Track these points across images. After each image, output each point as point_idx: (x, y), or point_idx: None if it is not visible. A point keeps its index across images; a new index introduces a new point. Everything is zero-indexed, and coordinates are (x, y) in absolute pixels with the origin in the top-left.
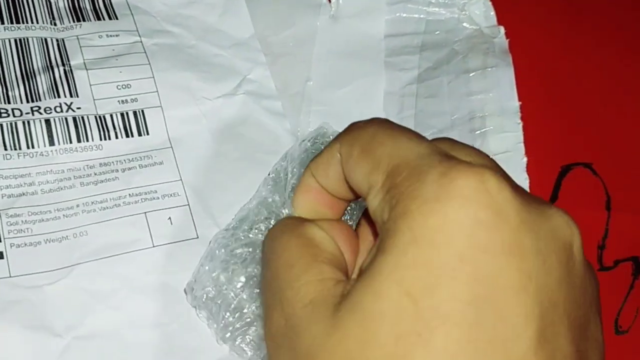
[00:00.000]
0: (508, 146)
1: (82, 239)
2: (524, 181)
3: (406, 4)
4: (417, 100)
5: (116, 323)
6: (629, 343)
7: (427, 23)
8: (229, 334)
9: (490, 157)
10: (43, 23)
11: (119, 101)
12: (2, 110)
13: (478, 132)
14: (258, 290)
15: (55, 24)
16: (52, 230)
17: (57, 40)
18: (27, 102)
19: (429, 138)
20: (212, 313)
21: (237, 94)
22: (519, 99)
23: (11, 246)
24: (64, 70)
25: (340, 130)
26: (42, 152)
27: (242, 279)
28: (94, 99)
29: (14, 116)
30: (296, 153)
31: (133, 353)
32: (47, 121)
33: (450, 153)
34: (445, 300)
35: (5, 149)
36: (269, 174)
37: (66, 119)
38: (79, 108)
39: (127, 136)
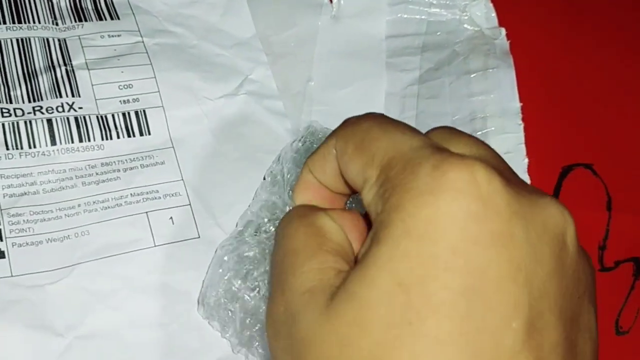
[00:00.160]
0: (509, 147)
1: (83, 238)
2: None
3: (407, 4)
4: (418, 101)
5: (117, 323)
6: (629, 344)
7: (428, 24)
8: (246, 338)
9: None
10: (45, 23)
11: (120, 101)
12: (4, 110)
13: (479, 133)
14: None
15: (57, 24)
16: (53, 230)
17: (59, 40)
18: (29, 101)
19: None
20: (226, 320)
21: (238, 94)
22: (520, 100)
23: (13, 245)
24: (66, 70)
25: (333, 128)
26: (43, 152)
27: (254, 282)
28: (95, 99)
29: (16, 116)
30: (289, 154)
31: (134, 353)
32: (49, 121)
33: (446, 143)
34: (437, 291)
35: (7, 149)
36: (264, 178)
37: (68, 118)
38: (80, 108)
39: (129, 136)
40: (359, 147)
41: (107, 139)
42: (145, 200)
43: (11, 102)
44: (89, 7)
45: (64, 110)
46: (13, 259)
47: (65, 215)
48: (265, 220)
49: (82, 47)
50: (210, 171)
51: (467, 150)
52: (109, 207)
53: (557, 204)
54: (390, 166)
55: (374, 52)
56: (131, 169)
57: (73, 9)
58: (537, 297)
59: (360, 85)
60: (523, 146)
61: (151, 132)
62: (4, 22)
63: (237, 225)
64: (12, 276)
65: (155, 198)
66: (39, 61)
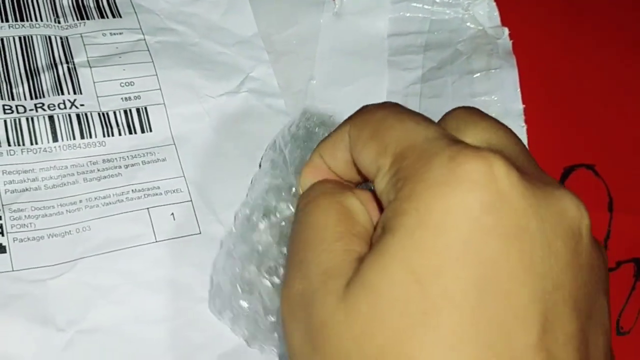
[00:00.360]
0: None
1: (85, 234)
2: None
3: (410, 2)
4: (420, 100)
5: (119, 318)
6: (630, 344)
7: (431, 22)
8: (268, 325)
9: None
10: (47, 21)
11: (122, 98)
12: (6, 107)
13: None
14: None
15: (59, 22)
16: (55, 225)
17: (61, 38)
18: (31, 98)
19: None
20: (239, 312)
21: (240, 91)
22: (523, 101)
23: (14, 240)
24: (68, 67)
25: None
26: (45, 148)
27: (271, 263)
28: (97, 96)
29: (18, 113)
30: (287, 138)
31: (136, 348)
32: (51, 118)
33: (464, 128)
34: (450, 282)
35: (9, 145)
36: (260, 165)
37: (70, 115)
38: (82, 105)
39: (130, 133)
40: (373, 135)
41: (108, 135)
42: (146, 196)
43: (13, 99)
44: (91, 5)
45: (65, 107)
46: (14, 253)
47: (67, 211)
48: (273, 203)
49: (84, 44)
50: (211, 168)
51: (486, 137)
52: (110, 203)
53: (572, 197)
54: (404, 156)
55: (376, 50)
56: (132, 165)
57: (75, 7)
58: (551, 290)
59: (362, 83)
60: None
61: (152, 129)
62: (7, 20)
63: (236, 217)
64: (13, 271)
65: (157, 194)
66: (41, 59)
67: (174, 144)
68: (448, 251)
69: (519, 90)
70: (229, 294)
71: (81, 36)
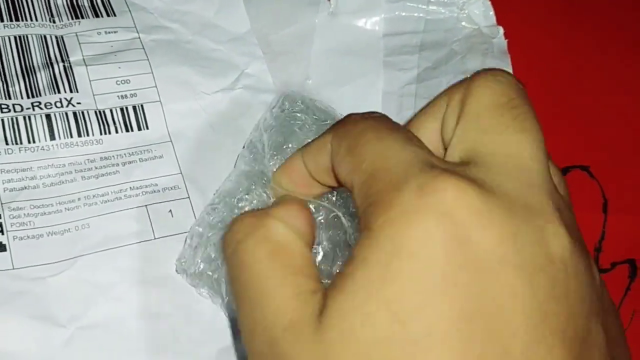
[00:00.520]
0: None
1: (84, 231)
2: None
3: (405, 2)
4: (416, 100)
5: (119, 314)
6: None
7: (426, 22)
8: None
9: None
10: (42, 20)
11: (118, 96)
12: (3, 106)
13: None
14: None
15: (54, 22)
16: (54, 223)
17: (56, 37)
18: (28, 97)
19: None
20: (212, 289)
21: (235, 88)
22: None
23: (14, 239)
24: (64, 66)
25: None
26: (43, 147)
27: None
28: (93, 94)
29: (15, 111)
30: (268, 121)
31: (136, 343)
32: (48, 116)
33: (459, 127)
34: (434, 320)
35: (7, 144)
36: (243, 147)
37: (66, 113)
38: (79, 103)
39: (127, 130)
40: (350, 149)
41: (105, 133)
42: (144, 193)
43: (10, 98)
44: (86, 5)
45: (62, 106)
46: (14, 251)
47: (66, 208)
48: (244, 187)
49: (80, 43)
50: (208, 164)
51: (471, 141)
52: (108, 201)
53: (555, 225)
54: (375, 178)
55: (371, 50)
56: (130, 162)
57: (70, 7)
58: (537, 323)
59: (357, 83)
60: None
61: (149, 126)
62: (2, 20)
63: (215, 194)
64: (14, 269)
65: (155, 191)
66: (37, 58)
67: (171, 140)
68: (427, 285)
69: None
70: (193, 270)
71: (76, 35)
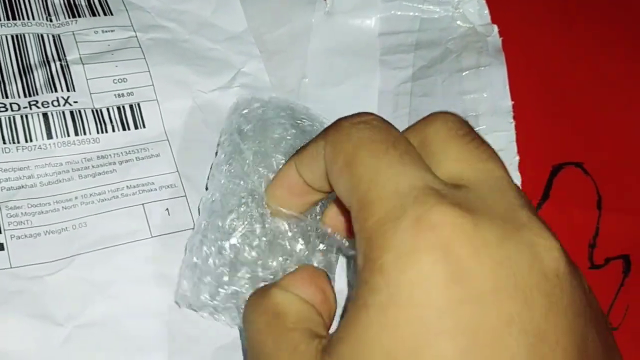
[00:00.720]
0: (500, 145)
1: (81, 230)
2: (516, 180)
3: (401, 1)
4: (411, 98)
5: (117, 312)
6: (619, 340)
7: (421, 21)
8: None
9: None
10: (39, 19)
11: (115, 95)
12: (0, 105)
13: None
14: (252, 276)
15: (51, 20)
16: (51, 222)
17: (53, 36)
18: (25, 96)
19: None
20: (216, 310)
21: (232, 86)
22: (512, 98)
23: (11, 238)
24: (61, 65)
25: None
26: (40, 146)
27: (235, 277)
28: (90, 93)
29: (12, 110)
30: (240, 125)
31: (133, 342)
32: (45, 115)
33: (440, 152)
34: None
35: (4, 143)
36: (216, 154)
37: (63, 112)
38: (75, 102)
39: (124, 129)
40: (346, 166)
41: (102, 132)
42: (141, 192)
43: (7, 97)
44: (82, 4)
45: (59, 105)
46: (12, 250)
47: (63, 207)
48: (229, 210)
49: (77, 42)
50: (205, 163)
51: (458, 170)
52: (105, 200)
53: (545, 240)
54: (370, 209)
55: (367, 49)
56: (127, 161)
57: (66, 6)
58: (535, 342)
59: (353, 82)
60: (514, 144)
61: (146, 125)
62: None
63: (200, 216)
64: (11, 268)
65: (151, 190)
66: (34, 57)
67: (168, 139)
68: (424, 327)
69: (507, 87)
70: (196, 302)
71: (73, 34)
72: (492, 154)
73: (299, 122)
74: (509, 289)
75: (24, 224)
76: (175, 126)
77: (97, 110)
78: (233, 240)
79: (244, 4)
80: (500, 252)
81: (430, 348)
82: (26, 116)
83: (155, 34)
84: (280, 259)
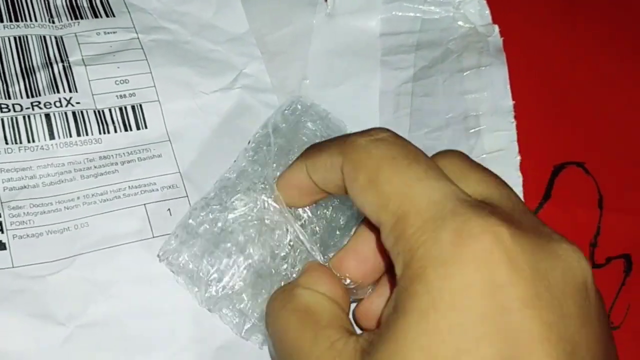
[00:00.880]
0: (501, 145)
1: (83, 230)
2: (517, 179)
3: (402, 2)
4: (412, 99)
5: (118, 312)
6: (620, 338)
7: (422, 22)
8: (212, 305)
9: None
10: (42, 21)
11: (117, 96)
12: (3, 106)
13: (472, 130)
14: (236, 259)
15: (53, 22)
16: (53, 222)
17: (55, 37)
18: (27, 97)
19: (424, 137)
20: (192, 279)
21: (233, 88)
22: (513, 98)
23: (13, 237)
24: (63, 66)
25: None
26: (42, 146)
27: (219, 249)
28: (92, 94)
29: (15, 111)
30: (277, 122)
31: (134, 341)
32: (47, 116)
33: (458, 180)
34: None
35: (7, 143)
36: (249, 143)
37: (66, 113)
38: (78, 103)
39: (126, 130)
40: (370, 184)
41: (104, 133)
42: (143, 192)
43: (10, 98)
44: (85, 5)
45: (61, 105)
46: (14, 250)
47: (65, 207)
48: (243, 188)
49: (79, 44)
50: (206, 163)
51: (479, 190)
52: (107, 200)
53: (574, 250)
54: (407, 221)
55: (368, 50)
56: (129, 162)
57: (69, 7)
58: (570, 352)
59: (354, 83)
60: (515, 144)
61: (148, 126)
62: (2, 21)
63: (214, 185)
64: (13, 267)
65: (153, 190)
66: (37, 58)
67: (169, 140)
68: (465, 332)
69: (508, 87)
70: (177, 262)
71: (75, 35)
72: (504, 182)
73: (330, 132)
74: (547, 297)
75: (26, 223)
76: (177, 127)
77: (99, 111)
78: (231, 216)
79: (246, 6)
80: (536, 262)
81: (471, 353)
82: (29, 117)
83: (157, 35)
84: (261, 252)
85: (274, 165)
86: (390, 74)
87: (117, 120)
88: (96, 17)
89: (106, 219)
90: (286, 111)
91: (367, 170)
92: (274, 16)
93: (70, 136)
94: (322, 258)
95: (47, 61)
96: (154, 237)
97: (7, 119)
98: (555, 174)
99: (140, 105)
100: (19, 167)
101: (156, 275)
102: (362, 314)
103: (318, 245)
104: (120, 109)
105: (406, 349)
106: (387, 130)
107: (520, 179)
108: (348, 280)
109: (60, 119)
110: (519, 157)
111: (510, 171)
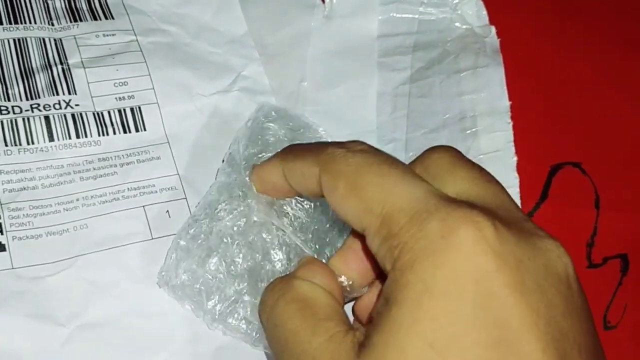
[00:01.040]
0: (498, 145)
1: (82, 231)
2: (514, 180)
3: (399, 4)
4: (409, 100)
5: (118, 312)
6: (617, 338)
7: (419, 23)
8: (217, 316)
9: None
10: (41, 23)
11: (116, 98)
12: (2, 108)
13: (469, 131)
14: (233, 267)
15: (52, 24)
16: (53, 224)
17: (54, 40)
18: (27, 99)
19: (421, 137)
20: (195, 301)
21: (232, 90)
22: (509, 99)
23: (13, 239)
24: (62, 68)
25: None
26: (42, 148)
27: (214, 260)
28: (91, 96)
29: (14, 113)
30: (243, 135)
31: (134, 342)
32: (47, 118)
33: (444, 176)
34: (468, 347)
35: (6, 145)
36: (223, 160)
37: (65, 115)
38: (77, 105)
39: (125, 132)
40: (351, 190)
41: (103, 135)
42: (142, 194)
43: (9, 100)
44: (84, 8)
45: (61, 108)
46: (14, 251)
47: (64, 209)
48: (224, 199)
49: (78, 46)
50: (205, 165)
51: (465, 188)
52: (106, 201)
53: (554, 243)
54: (392, 219)
55: (366, 51)
56: (128, 164)
57: (68, 10)
58: (559, 338)
59: (352, 84)
60: (512, 144)
61: (147, 128)
62: (1, 23)
63: (197, 207)
64: (13, 268)
65: (152, 192)
66: (36, 60)
67: (168, 142)
68: (459, 317)
69: (505, 87)
70: (176, 282)
71: (75, 38)
72: (494, 179)
73: (295, 129)
74: (532, 286)
75: (26, 225)
76: (175, 129)
77: (98, 113)
78: (218, 227)
79: (244, 8)
80: (519, 252)
81: (466, 337)
82: (28, 119)
83: (156, 37)
84: (256, 255)
85: (243, 167)
86: (387, 75)
87: (116, 122)
88: (95, 19)
89: (105, 220)
90: (249, 122)
91: (347, 178)
92: (272, 18)
93: (70, 138)
94: (313, 252)
95: (47, 63)
96: (153, 238)
97: (7, 121)
98: (552, 175)
99: (139, 108)
100: (19, 168)
101: (155, 276)
102: (362, 310)
103: (311, 236)
104: (119, 111)
105: (402, 336)
106: (363, 142)
107: (517, 180)
108: (344, 278)
109: (59, 121)
110: (515, 158)
111: (507, 172)
